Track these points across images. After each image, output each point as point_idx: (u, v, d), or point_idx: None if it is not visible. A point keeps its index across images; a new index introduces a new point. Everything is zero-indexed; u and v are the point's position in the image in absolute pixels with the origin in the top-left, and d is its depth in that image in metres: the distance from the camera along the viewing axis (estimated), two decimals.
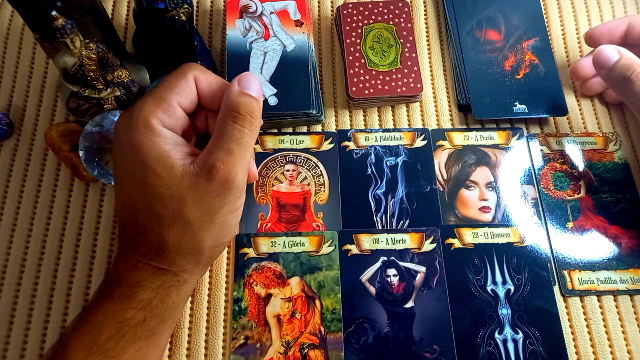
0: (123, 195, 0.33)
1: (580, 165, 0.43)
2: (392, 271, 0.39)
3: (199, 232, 0.32)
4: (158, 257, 0.32)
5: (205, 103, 0.35)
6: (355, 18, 0.46)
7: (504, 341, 0.37)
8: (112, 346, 0.30)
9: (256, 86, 0.34)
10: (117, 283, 0.32)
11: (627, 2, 0.50)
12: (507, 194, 0.42)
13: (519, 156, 0.44)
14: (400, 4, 0.46)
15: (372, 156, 0.43)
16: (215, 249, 0.34)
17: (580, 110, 0.46)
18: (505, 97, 0.45)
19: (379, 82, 0.44)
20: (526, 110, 0.44)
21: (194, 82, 0.34)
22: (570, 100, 0.46)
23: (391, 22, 0.46)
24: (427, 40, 0.48)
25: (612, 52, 0.39)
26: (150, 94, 0.33)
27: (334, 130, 0.44)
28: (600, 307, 0.39)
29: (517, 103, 0.44)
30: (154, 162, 0.31)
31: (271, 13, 0.45)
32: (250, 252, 0.40)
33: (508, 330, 0.38)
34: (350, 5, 0.46)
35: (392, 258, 0.40)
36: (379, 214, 0.41)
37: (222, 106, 0.34)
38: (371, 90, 0.43)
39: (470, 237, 0.41)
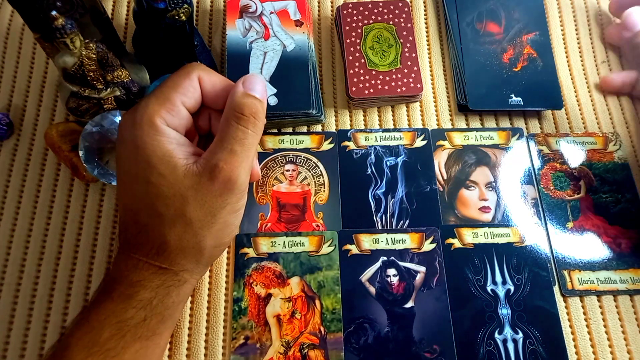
0: (125, 194, 0.33)
1: (580, 165, 0.43)
2: (392, 271, 0.39)
3: (201, 232, 0.32)
4: (159, 256, 0.32)
5: (209, 102, 0.35)
6: (355, 18, 0.46)
7: (504, 341, 0.37)
8: (112, 346, 0.30)
9: (260, 88, 0.34)
10: (118, 282, 0.32)
11: None
12: (507, 194, 0.42)
13: (519, 156, 0.44)
14: (400, 4, 0.46)
15: (372, 156, 0.43)
16: (216, 249, 0.34)
17: (580, 110, 0.46)
18: (502, 88, 0.45)
19: (379, 82, 0.44)
20: (522, 103, 0.44)
21: (198, 81, 0.34)
22: (570, 100, 0.46)
23: (391, 22, 0.46)
24: (427, 40, 0.48)
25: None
26: (155, 94, 0.33)
27: (334, 130, 0.44)
28: (600, 307, 0.39)
29: (512, 95, 0.44)
30: (157, 161, 0.31)
31: (271, 13, 0.45)
32: (250, 252, 0.40)
33: (508, 330, 0.38)
34: (350, 5, 0.46)
35: (392, 258, 0.40)
36: (379, 214, 0.41)
37: (226, 107, 0.34)
38: (371, 90, 0.43)
39: (470, 237, 0.41)
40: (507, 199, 0.42)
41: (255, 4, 0.45)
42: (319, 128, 0.45)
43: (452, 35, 0.47)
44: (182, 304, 0.35)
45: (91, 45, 0.37)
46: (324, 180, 0.42)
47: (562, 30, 0.49)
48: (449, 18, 0.47)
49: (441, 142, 0.44)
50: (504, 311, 0.38)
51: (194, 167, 0.32)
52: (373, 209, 0.41)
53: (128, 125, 0.32)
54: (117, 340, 0.30)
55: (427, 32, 0.49)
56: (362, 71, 0.44)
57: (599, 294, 0.39)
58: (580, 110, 0.46)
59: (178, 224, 0.32)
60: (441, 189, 0.42)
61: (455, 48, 0.46)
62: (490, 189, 0.42)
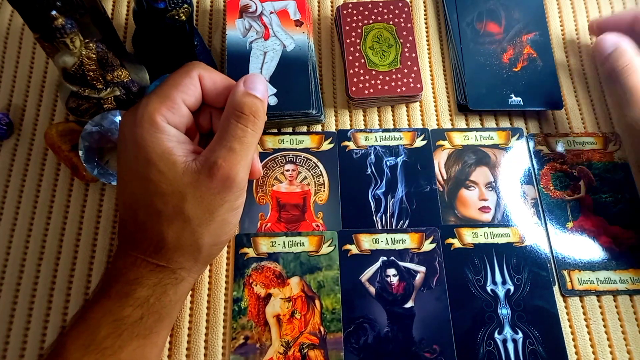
0: (125, 192, 0.33)
1: (580, 166, 0.43)
2: (391, 271, 0.39)
3: (198, 230, 0.32)
4: (157, 253, 0.32)
5: (209, 101, 0.36)
6: (355, 18, 0.46)
7: (504, 341, 0.37)
8: (109, 344, 0.30)
9: (261, 87, 0.34)
10: (115, 280, 0.32)
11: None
12: (507, 194, 0.42)
13: (519, 156, 0.44)
14: (400, 4, 0.46)
15: (372, 156, 0.43)
16: (214, 247, 0.34)
17: (580, 109, 0.46)
18: (502, 88, 0.45)
19: (378, 82, 0.44)
20: (521, 103, 0.44)
21: (199, 80, 0.34)
22: (570, 99, 0.46)
23: (391, 22, 0.46)
24: (427, 40, 0.48)
25: (609, 44, 0.41)
26: (156, 92, 0.33)
27: (334, 130, 0.44)
28: (600, 307, 0.39)
29: (512, 95, 0.44)
30: (156, 159, 0.31)
31: (271, 13, 0.45)
32: (250, 252, 0.40)
33: (508, 330, 0.38)
34: (350, 5, 0.46)
35: (392, 258, 0.40)
36: (379, 214, 0.41)
37: (226, 105, 0.34)
38: (371, 90, 0.43)
39: (470, 237, 0.40)
40: (507, 199, 0.42)
41: (255, 4, 0.45)
42: (318, 128, 0.45)
43: (452, 35, 0.47)
44: (179, 302, 0.34)
45: (91, 45, 0.37)
46: (323, 180, 0.42)
47: (562, 30, 0.49)
48: (449, 18, 0.47)
49: (441, 142, 0.44)
50: (504, 311, 0.38)
51: (193, 164, 0.32)
52: (373, 209, 0.41)
53: (129, 123, 0.33)
54: (113, 339, 0.30)
55: (427, 32, 0.49)
56: (362, 71, 0.44)
57: (598, 294, 0.39)
58: (580, 110, 0.46)
59: (176, 221, 0.32)
60: (441, 189, 0.42)
61: (455, 48, 0.46)
62: (490, 189, 0.42)
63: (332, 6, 0.50)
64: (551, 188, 0.43)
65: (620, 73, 0.40)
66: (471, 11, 0.48)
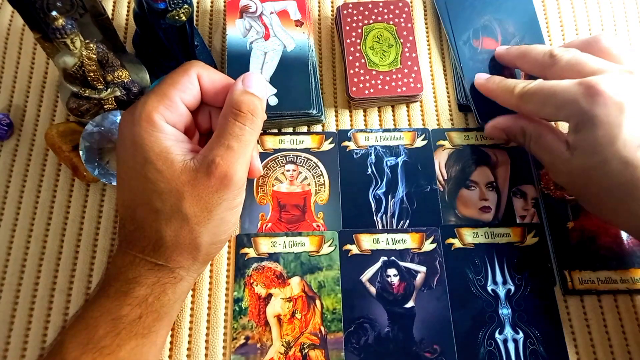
0: (124, 191, 0.33)
1: None
2: (392, 271, 0.39)
3: (197, 228, 0.32)
4: (155, 252, 0.32)
5: (208, 100, 0.36)
6: (355, 18, 0.46)
7: (504, 341, 0.37)
8: (107, 343, 0.30)
9: (260, 86, 0.35)
10: (114, 279, 0.32)
11: (626, 6, 0.50)
12: (507, 193, 0.42)
13: (520, 156, 0.44)
14: (400, 4, 0.46)
15: (372, 156, 0.43)
16: (212, 246, 0.34)
17: None
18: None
19: (379, 82, 0.44)
20: None
21: (197, 79, 0.34)
22: None
23: (391, 22, 0.46)
24: (427, 40, 0.48)
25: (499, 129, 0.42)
26: (154, 91, 0.33)
27: (334, 130, 0.44)
28: (601, 307, 0.39)
29: None
30: (154, 157, 0.31)
31: (271, 13, 0.45)
32: (251, 252, 0.40)
33: (508, 330, 0.38)
34: (350, 5, 0.46)
35: (393, 258, 0.40)
36: (379, 214, 0.41)
37: (225, 104, 0.34)
38: (371, 90, 0.43)
39: (470, 237, 0.41)
40: (507, 198, 0.42)
41: (255, 4, 0.45)
42: (319, 128, 0.45)
43: (451, 53, 0.46)
44: (178, 302, 0.34)
45: (91, 45, 0.37)
46: (324, 181, 0.42)
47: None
48: (447, 35, 0.47)
49: (441, 142, 0.44)
50: (505, 311, 0.38)
51: (191, 163, 0.32)
52: (373, 209, 0.41)
53: (127, 122, 0.33)
54: (112, 338, 0.30)
55: (427, 32, 0.49)
56: (362, 71, 0.44)
57: (599, 293, 0.39)
58: None
59: (174, 219, 0.32)
60: (441, 189, 0.42)
61: (456, 64, 0.46)
62: (491, 188, 0.42)
63: (332, 6, 0.50)
64: (552, 188, 0.42)
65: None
66: (466, 29, 0.47)
